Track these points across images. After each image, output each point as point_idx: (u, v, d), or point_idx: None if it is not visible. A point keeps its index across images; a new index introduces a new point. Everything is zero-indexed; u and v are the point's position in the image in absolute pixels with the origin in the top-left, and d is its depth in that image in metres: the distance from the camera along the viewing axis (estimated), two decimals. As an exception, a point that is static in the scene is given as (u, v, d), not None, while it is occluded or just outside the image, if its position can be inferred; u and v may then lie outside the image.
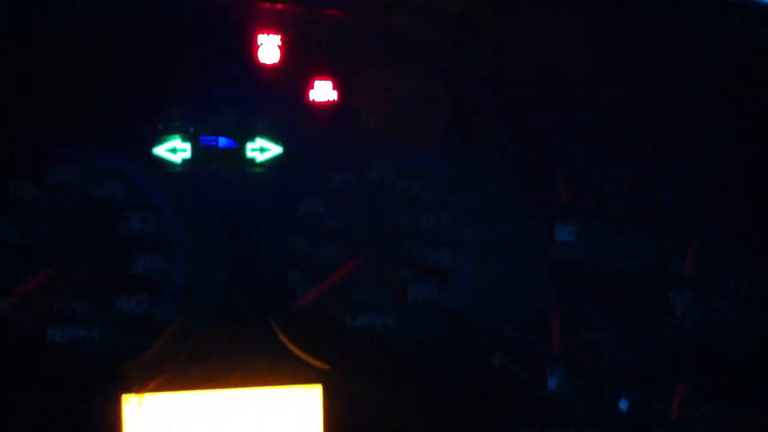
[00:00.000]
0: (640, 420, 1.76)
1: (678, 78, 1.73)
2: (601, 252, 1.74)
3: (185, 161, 1.61)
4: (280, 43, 1.59)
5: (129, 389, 1.59)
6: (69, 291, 1.58)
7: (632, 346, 1.76)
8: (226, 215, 1.63)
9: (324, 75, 1.63)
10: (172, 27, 1.56)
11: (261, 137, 1.63)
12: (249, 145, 1.63)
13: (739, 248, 1.76)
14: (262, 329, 1.65)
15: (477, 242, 1.71)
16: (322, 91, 1.64)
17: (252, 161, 1.64)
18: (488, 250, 1.71)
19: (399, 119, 1.66)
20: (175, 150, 1.61)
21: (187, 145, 1.61)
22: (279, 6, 1.56)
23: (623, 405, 1.75)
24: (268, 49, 1.59)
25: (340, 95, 1.64)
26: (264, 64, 1.59)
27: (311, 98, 1.64)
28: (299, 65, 1.61)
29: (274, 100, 1.63)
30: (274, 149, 1.64)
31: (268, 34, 1.59)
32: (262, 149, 1.64)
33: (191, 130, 1.61)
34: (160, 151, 1.61)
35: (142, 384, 1.60)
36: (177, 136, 1.61)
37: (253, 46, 1.59)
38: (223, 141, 1.61)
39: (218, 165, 1.63)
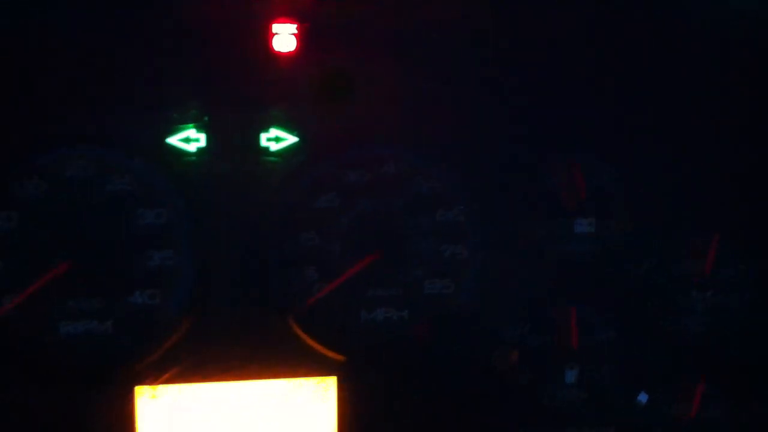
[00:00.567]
0: (653, 419, 1.76)
1: (688, 76, 1.73)
2: (615, 250, 1.74)
3: (200, 150, 1.60)
4: (295, 32, 1.58)
5: (142, 381, 1.59)
6: (81, 286, 1.56)
7: (647, 346, 1.76)
8: (240, 208, 1.61)
9: (339, 63, 1.61)
10: (186, 15, 1.55)
11: (276, 127, 1.62)
12: (263, 135, 1.62)
13: (749, 248, 1.76)
14: (278, 321, 1.63)
15: (491, 239, 1.69)
16: (337, 80, 1.62)
17: (266, 151, 1.62)
18: (502, 246, 1.70)
19: (413, 111, 1.65)
20: (188, 140, 1.60)
21: (202, 135, 1.60)
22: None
23: (643, 398, 1.74)
24: (284, 37, 1.58)
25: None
26: (279, 52, 1.58)
27: (325, 86, 1.62)
28: (315, 54, 1.59)
29: (290, 90, 1.61)
30: (290, 139, 1.63)
31: (284, 23, 1.57)
32: (277, 139, 1.62)
33: (206, 119, 1.59)
34: (174, 140, 1.59)
35: (155, 376, 1.59)
36: (191, 125, 1.59)
37: (268, 35, 1.57)
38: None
39: (232, 155, 1.61)
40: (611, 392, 1.74)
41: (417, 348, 1.68)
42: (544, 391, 1.73)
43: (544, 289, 1.72)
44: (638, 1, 1.69)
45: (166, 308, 1.59)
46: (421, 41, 1.63)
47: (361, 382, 1.65)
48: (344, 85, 1.61)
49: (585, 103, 1.72)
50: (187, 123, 1.58)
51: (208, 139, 1.60)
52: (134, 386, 1.58)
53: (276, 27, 1.57)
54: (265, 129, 1.62)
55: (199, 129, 1.59)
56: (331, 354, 1.65)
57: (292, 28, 1.58)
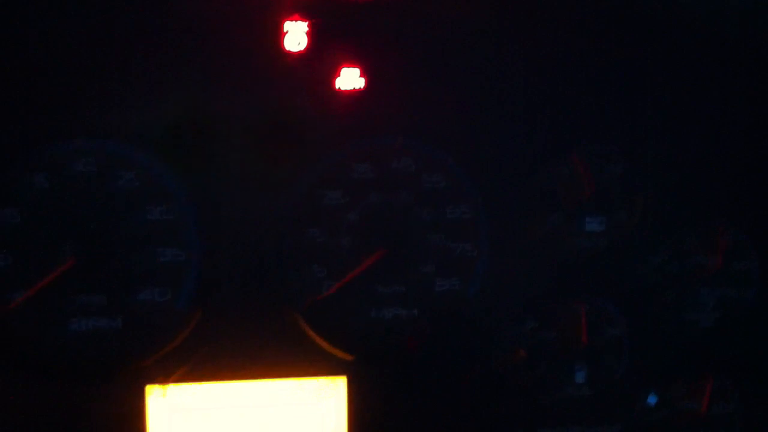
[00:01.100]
0: (663, 415, 1.76)
1: (700, 68, 1.71)
2: (625, 245, 1.73)
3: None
4: (306, 30, 1.56)
5: (152, 380, 1.59)
6: (90, 282, 1.56)
7: (657, 341, 1.76)
8: (248, 205, 1.60)
9: (351, 62, 1.59)
10: (198, 12, 1.53)
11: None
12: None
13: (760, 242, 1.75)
14: (287, 319, 1.63)
15: (500, 236, 1.68)
16: (349, 79, 1.60)
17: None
18: (512, 243, 1.69)
19: (424, 109, 1.63)
20: None
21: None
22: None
23: (652, 400, 1.74)
24: (295, 36, 1.56)
25: (367, 83, 1.61)
26: (290, 51, 1.56)
27: (337, 86, 1.60)
28: (326, 52, 1.57)
29: (300, 88, 1.59)
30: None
31: (295, 21, 1.55)
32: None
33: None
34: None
35: (165, 375, 1.59)
36: None
37: (279, 34, 1.55)
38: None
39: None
40: (620, 389, 1.74)
41: (426, 347, 1.68)
42: (553, 389, 1.73)
43: (554, 287, 1.71)
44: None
45: (174, 305, 1.59)
46: (431, 37, 1.62)
47: (371, 381, 1.65)
48: None
49: (595, 98, 1.70)
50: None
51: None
52: (145, 385, 1.58)
53: (287, 25, 1.55)
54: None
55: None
56: (340, 353, 1.65)
57: (304, 26, 1.56)
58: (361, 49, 1.60)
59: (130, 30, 1.53)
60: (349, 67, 1.60)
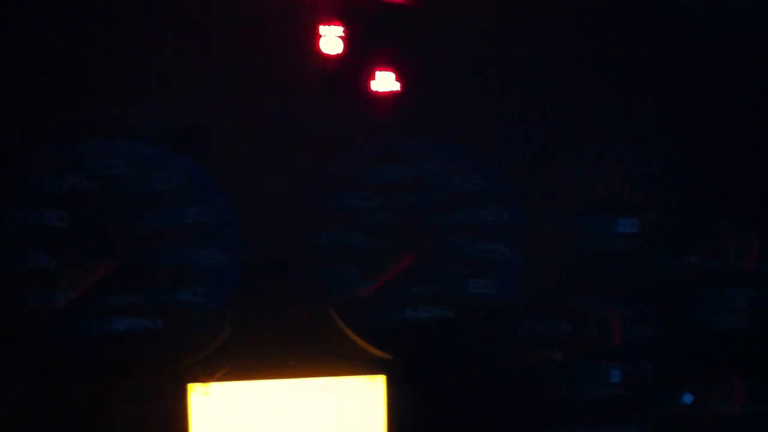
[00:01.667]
0: (695, 416, 1.74)
1: (735, 67, 1.71)
2: (658, 246, 1.72)
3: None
4: (342, 34, 1.59)
5: (195, 378, 1.61)
6: (130, 283, 1.59)
7: (688, 342, 1.74)
8: (283, 206, 1.63)
9: (386, 65, 1.62)
10: (233, 16, 1.57)
11: None
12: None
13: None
14: (325, 320, 1.65)
15: (534, 236, 1.69)
16: (384, 82, 1.63)
17: None
18: (545, 244, 1.69)
19: (458, 111, 1.65)
20: None
21: None
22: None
23: (687, 398, 1.72)
24: (330, 39, 1.59)
25: (402, 86, 1.63)
26: (326, 54, 1.59)
27: (372, 89, 1.63)
28: (361, 55, 1.60)
29: (336, 91, 1.62)
30: None
31: (330, 25, 1.59)
32: None
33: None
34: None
35: (208, 373, 1.62)
36: None
37: (315, 37, 1.59)
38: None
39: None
40: (653, 389, 1.72)
41: (462, 346, 1.69)
42: (585, 389, 1.72)
43: (588, 287, 1.71)
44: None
45: (213, 305, 1.62)
46: (465, 40, 1.64)
47: (410, 380, 1.66)
48: None
49: (628, 98, 1.71)
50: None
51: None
52: (187, 383, 1.61)
53: (323, 29, 1.59)
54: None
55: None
56: (378, 352, 1.67)
57: (339, 30, 1.59)
58: (396, 53, 1.63)
59: (169, 32, 1.57)
60: (383, 70, 1.63)
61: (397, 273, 1.64)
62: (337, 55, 1.60)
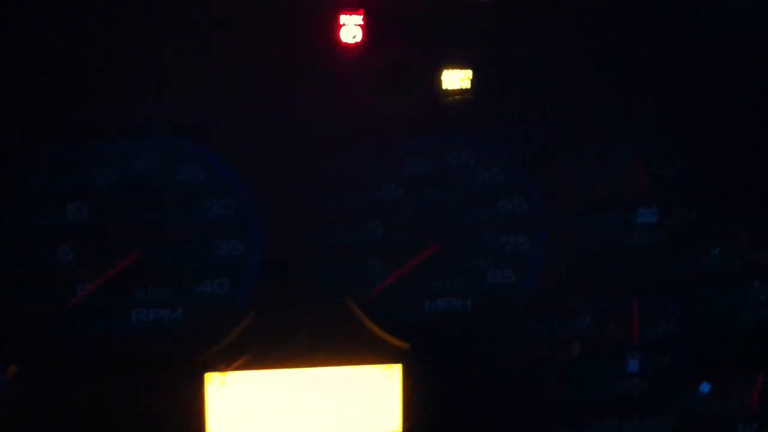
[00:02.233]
0: (715, 410, 1.76)
1: (754, 62, 1.71)
2: (678, 237, 1.73)
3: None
4: (362, 23, 1.58)
5: (212, 368, 1.61)
6: (152, 276, 1.59)
7: (710, 336, 1.76)
8: (305, 198, 1.63)
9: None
10: (253, 6, 1.56)
11: None
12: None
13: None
14: (343, 310, 1.65)
15: (552, 229, 1.70)
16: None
17: None
18: (564, 236, 1.70)
19: (481, 103, 1.65)
20: None
21: None
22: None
23: (705, 388, 1.74)
24: (351, 28, 1.58)
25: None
26: (346, 43, 1.58)
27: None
28: (382, 44, 1.59)
29: (356, 81, 1.61)
30: None
31: (351, 14, 1.58)
32: None
33: None
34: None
35: (224, 363, 1.62)
36: None
37: (335, 26, 1.58)
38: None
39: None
40: (674, 383, 1.74)
41: (480, 336, 1.70)
42: (606, 382, 1.74)
43: (607, 280, 1.72)
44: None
45: (234, 297, 1.62)
46: (485, 31, 1.63)
47: (426, 370, 1.67)
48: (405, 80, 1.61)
49: (646, 92, 1.71)
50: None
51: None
52: (204, 373, 1.61)
53: (343, 18, 1.58)
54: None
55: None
56: (395, 342, 1.67)
57: (359, 19, 1.58)
58: (414, 42, 1.62)
59: (190, 25, 1.56)
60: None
61: (417, 264, 1.65)
62: (357, 43, 1.59)
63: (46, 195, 1.56)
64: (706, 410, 1.76)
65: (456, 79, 1.62)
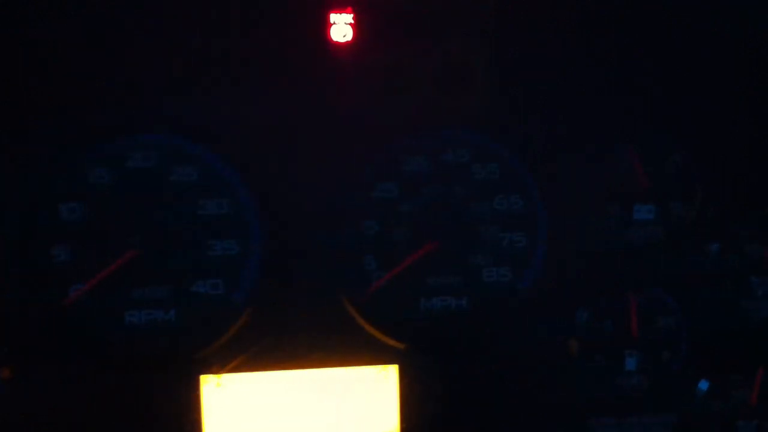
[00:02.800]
0: (715, 406, 1.75)
1: (755, 57, 1.69)
2: (677, 235, 1.72)
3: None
4: (352, 21, 1.57)
5: (207, 370, 1.61)
6: (146, 275, 1.59)
7: (710, 331, 1.74)
8: (301, 198, 1.62)
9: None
10: (245, 7, 1.55)
11: None
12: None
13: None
14: (339, 310, 1.64)
15: (550, 226, 1.68)
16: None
17: None
18: (561, 234, 1.69)
19: (478, 100, 1.64)
20: None
21: None
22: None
23: (703, 385, 1.73)
24: (340, 27, 1.57)
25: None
26: (336, 42, 1.57)
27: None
28: (372, 42, 1.58)
29: (348, 79, 1.61)
30: None
31: (340, 13, 1.57)
32: None
33: None
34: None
35: (220, 365, 1.61)
36: None
37: (325, 25, 1.57)
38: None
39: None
40: (674, 379, 1.73)
41: (477, 335, 1.68)
42: (606, 380, 1.72)
43: (607, 277, 1.71)
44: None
45: (228, 297, 1.62)
46: (479, 26, 1.62)
47: (423, 369, 1.66)
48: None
49: (645, 90, 1.69)
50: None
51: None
52: (199, 375, 1.61)
53: (333, 17, 1.57)
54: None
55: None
56: (391, 342, 1.66)
57: (349, 17, 1.57)
58: (405, 40, 1.60)
59: (183, 25, 1.55)
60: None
61: (413, 263, 1.64)
62: (348, 42, 1.58)
63: (40, 195, 1.56)
64: (705, 408, 1.75)
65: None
